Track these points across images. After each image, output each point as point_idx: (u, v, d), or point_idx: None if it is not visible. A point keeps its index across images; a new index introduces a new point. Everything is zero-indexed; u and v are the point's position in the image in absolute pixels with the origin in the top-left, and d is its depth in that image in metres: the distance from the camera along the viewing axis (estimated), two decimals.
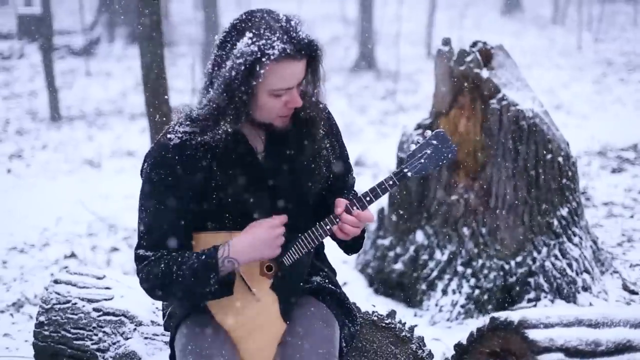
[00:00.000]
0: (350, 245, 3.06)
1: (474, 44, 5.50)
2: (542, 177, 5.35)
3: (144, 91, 5.96)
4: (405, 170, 2.83)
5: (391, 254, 5.66)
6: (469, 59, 5.33)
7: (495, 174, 5.30)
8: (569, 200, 5.51)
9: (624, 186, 8.59)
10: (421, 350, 3.85)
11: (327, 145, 2.99)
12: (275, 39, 2.63)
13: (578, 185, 5.65)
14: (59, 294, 3.89)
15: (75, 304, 3.82)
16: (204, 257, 2.75)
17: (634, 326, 3.16)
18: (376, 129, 12.43)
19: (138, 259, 2.85)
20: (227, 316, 2.92)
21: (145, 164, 2.88)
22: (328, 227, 2.83)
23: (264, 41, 2.62)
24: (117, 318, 3.74)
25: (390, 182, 2.83)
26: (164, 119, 5.95)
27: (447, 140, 2.84)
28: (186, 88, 13.39)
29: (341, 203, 2.82)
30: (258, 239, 2.77)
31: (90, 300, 3.82)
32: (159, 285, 2.79)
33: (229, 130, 2.73)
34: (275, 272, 2.92)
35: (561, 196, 5.46)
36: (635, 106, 13.33)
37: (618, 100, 13.84)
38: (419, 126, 5.58)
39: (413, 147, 2.83)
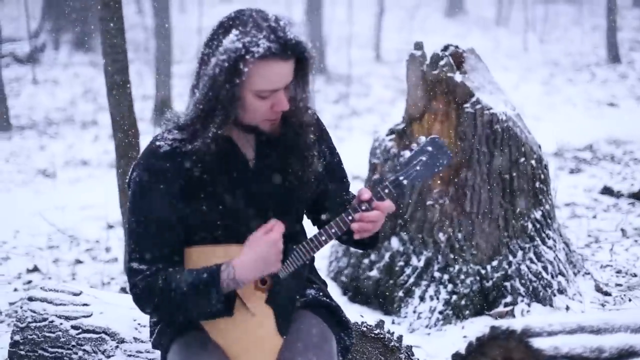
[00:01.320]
0: (363, 242, 2.99)
1: (446, 48, 5.47)
2: (516, 180, 5.34)
3: (108, 100, 5.83)
4: (401, 178, 2.80)
5: (366, 261, 5.61)
6: (442, 63, 5.31)
7: (470, 179, 5.28)
8: (542, 203, 5.51)
9: (583, 186, 8.67)
10: None
11: (318, 152, 2.94)
12: (262, 37, 2.58)
13: (550, 188, 5.66)
14: (34, 311, 3.77)
15: (52, 321, 3.72)
16: (205, 275, 2.68)
17: (635, 331, 3.14)
18: (331, 134, 12.38)
19: (132, 272, 2.77)
20: (222, 332, 2.84)
21: (134, 174, 2.80)
22: (333, 230, 2.76)
23: (249, 38, 2.57)
24: (97, 335, 3.65)
25: (387, 191, 2.79)
26: (131, 128, 5.83)
27: (442, 147, 2.81)
28: (136, 94, 13.25)
29: (366, 190, 2.78)
30: (260, 257, 2.70)
31: (68, 318, 3.72)
32: (156, 302, 2.72)
33: (219, 132, 2.66)
34: (270, 286, 2.86)
35: (535, 199, 5.46)
36: (586, 106, 13.48)
37: (568, 100, 13.99)
38: (391, 131, 5.53)
39: (408, 154, 2.79)
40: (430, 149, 2.80)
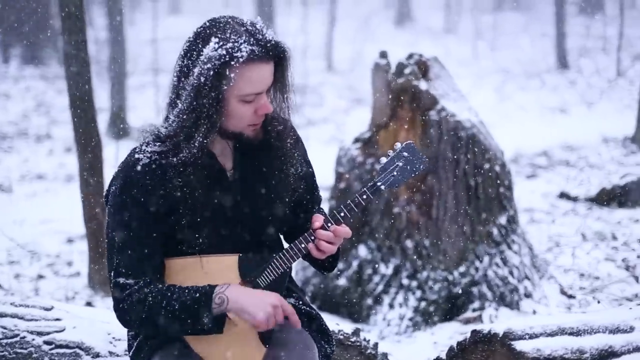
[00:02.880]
0: (325, 264, 3.00)
1: (410, 56, 5.51)
2: (481, 186, 5.40)
3: (71, 113, 5.80)
4: (379, 183, 2.80)
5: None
6: (407, 71, 5.35)
7: (436, 186, 5.33)
8: (506, 208, 5.58)
9: (540, 192, 8.77)
10: None
11: (296, 160, 2.94)
12: (242, 41, 2.59)
13: (513, 193, 5.73)
14: (4, 328, 3.69)
15: (24, 337, 3.64)
16: (198, 295, 2.66)
17: (613, 332, 3.20)
18: None
19: (118, 287, 2.73)
20: (204, 343, 2.81)
21: (113, 187, 2.78)
22: (303, 245, 2.77)
23: (231, 44, 2.58)
24: (71, 350, 3.59)
25: (365, 197, 2.79)
26: (93, 141, 5.80)
27: (417, 152, 2.83)
28: None
29: (318, 218, 2.76)
30: (259, 298, 2.68)
31: (40, 333, 3.65)
32: (144, 318, 2.68)
33: (205, 142, 2.65)
34: None
35: (499, 205, 5.52)
36: (539, 113, 13.63)
37: (521, 107, 14.12)
38: (357, 140, 5.56)
39: (384, 160, 2.81)
40: (406, 154, 2.82)
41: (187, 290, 2.67)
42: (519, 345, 3.08)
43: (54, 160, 11.11)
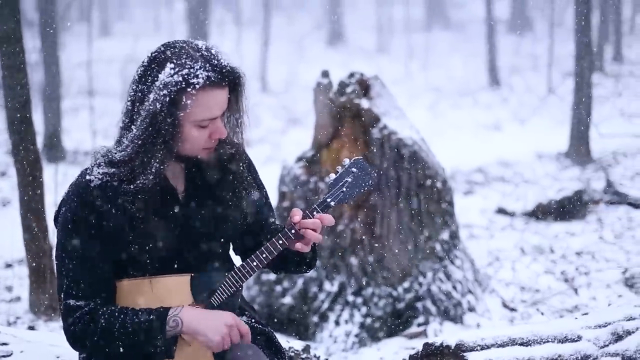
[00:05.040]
0: (307, 259, 2.95)
1: (352, 75, 5.57)
2: (424, 203, 5.46)
3: (10, 136, 5.73)
4: (329, 199, 2.81)
5: (278, 288, 5.63)
6: (349, 90, 5.40)
7: (379, 203, 5.37)
8: (448, 224, 5.65)
9: (478, 208, 8.89)
10: None
11: (247, 183, 2.95)
12: (198, 67, 2.59)
13: (454, 209, 5.80)
14: None
15: None
16: (151, 317, 2.64)
17: (561, 341, 3.26)
18: None
19: (68, 310, 2.69)
20: None
21: (63, 209, 2.74)
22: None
23: (186, 70, 2.58)
24: None
25: (314, 213, 2.79)
26: (33, 164, 5.73)
27: (366, 168, 2.85)
28: None
29: (297, 212, 2.75)
30: (214, 319, 2.67)
31: None
32: (95, 340, 2.65)
33: (162, 168, 2.65)
34: None
35: (442, 220, 5.59)
36: (473, 130, 13.82)
37: (454, 125, 14.31)
38: (300, 159, 5.59)
39: (333, 176, 2.82)
40: (354, 170, 2.84)
41: (140, 313, 2.65)
42: (471, 357, 3.12)
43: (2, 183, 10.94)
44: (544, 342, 3.24)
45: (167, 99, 2.57)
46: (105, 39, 27.00)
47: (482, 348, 3.16)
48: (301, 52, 22.69)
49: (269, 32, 19.75)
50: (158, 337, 2.63)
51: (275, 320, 5.63)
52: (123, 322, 2.63)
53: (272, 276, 5.68)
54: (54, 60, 12.00)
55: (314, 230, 2.75)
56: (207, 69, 2.60)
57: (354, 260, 5.41)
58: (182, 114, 2.60)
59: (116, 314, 2.65)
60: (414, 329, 5.40)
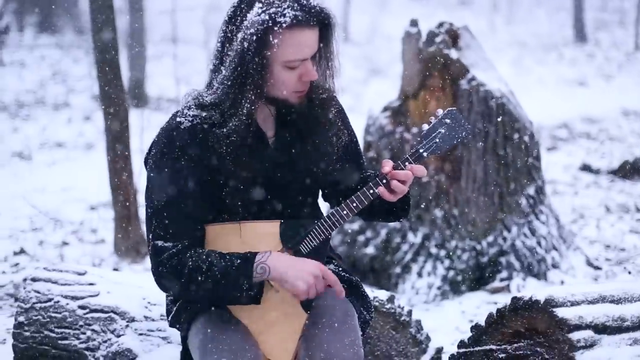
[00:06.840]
0: (398, 208, 2.92)
1: (440, 25, 5.49)
2: (510, 156, 5.38)
3: (99, 78, 5.80)
4: (421, 150, 2.76)
5: (361, 238, 5.62)
6: (438, 39, 5.33)
7: (466, 155, 5.31)
8: (534, 179, 5.56)
9: (562, 164, 8.76)
10: (419, 334, 3.84)
11: (338, 128, 2.91)
12: (286, 6, 2.56)
13: (541, 164, 5.71)
14: (38, 292, 3.66)
15: (58, 301, 3.60)
16: (239, 260, 2.63)
17: None
18: None
19: (156, 250, 2.67)
20: (245, 310, 2.77)
21: (154, 150, 2.74)
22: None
23: (274, 9, 2.56)
24: (106, 315, 3.54)
25: (406, 164, 2.75)
26: (120, 108, 5.80)
27: (460, 119, 2.80)
28: None
29: (388, 163, 2.72)
30: (301, 268, 2.64)
31: (74, 298, 3.60)
32: (183, 282, 2.63)
33: (252, 109, 2.63)
34: None
35: (528, 175, 5.51)
36: (557, 86, 13.59)
37: (539, 81, 14.08)
38: (386, 109, 5.54)
39: (426, 126, 2.77)
40: (448, 121, 2.79)
41: (227, 257, 2.63)
42: (561, 312, 3.07)
43: (73, 128, 11.12)
44: (635, 301, 3.18)
45: (255, 37, 2.55)
46: None
47: (572, 304, 3.11)
48: (383, 3, 22.44)
49: None
50: (245, 282, 2.61)
51: (357, 270, 5.63)
52: (210, 265, 2.62)
53: (354, 225, 5.67)
54: (139, 7, 12.08)
55: (405, 181, 2.72)
56: (295, 8, 2.57)
57: (438, 213, 5.37)
58: (270, 54, 2.58)
59: (204, 256, 2.64)
60: (496, 283, 5.36)
